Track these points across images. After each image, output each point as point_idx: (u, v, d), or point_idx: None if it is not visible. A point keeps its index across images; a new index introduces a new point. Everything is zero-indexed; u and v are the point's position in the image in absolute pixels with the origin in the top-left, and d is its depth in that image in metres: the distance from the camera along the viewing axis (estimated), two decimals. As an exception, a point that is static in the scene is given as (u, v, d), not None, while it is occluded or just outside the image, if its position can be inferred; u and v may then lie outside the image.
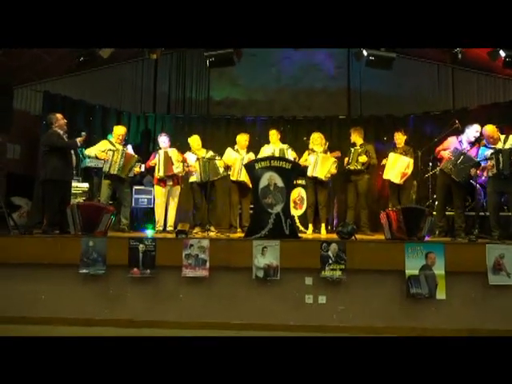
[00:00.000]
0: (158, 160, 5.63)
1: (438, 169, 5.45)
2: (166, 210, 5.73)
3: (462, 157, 4.91)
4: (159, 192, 5.72)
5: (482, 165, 4.76)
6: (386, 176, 5.69)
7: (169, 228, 5.67)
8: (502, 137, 4.72)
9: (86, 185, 6.29)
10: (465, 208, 5.35)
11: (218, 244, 4.09)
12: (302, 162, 5.73)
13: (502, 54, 5.98)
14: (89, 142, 6.82)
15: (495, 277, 3.84)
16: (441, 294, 3.82)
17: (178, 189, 5.79)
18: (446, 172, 5.05)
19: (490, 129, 4.73)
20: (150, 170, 5.93)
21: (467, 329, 3.80)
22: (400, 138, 5.79)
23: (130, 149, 5.82)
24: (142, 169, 6.07)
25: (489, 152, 4.68)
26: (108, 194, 5.50)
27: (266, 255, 4.01)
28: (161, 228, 5.70)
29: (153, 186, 6.03)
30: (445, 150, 5.14)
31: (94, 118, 7.49)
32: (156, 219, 5.74)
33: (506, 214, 5.07)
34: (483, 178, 5.03)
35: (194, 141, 6.00)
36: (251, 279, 3.95)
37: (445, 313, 3.87)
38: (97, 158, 5.54)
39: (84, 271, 4.01)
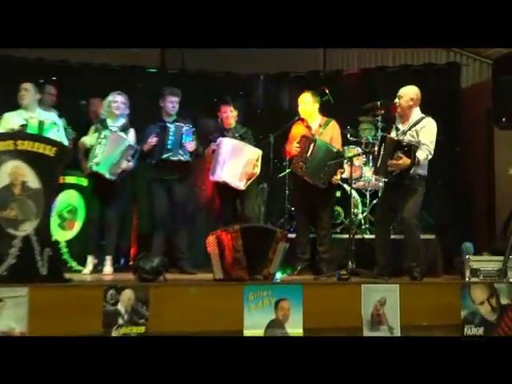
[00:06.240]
0: None
1: (287, 171, 3.97)
2: None
3: (312, 146, 3.37)
4: None
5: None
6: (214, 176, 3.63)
7: None
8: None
9: None
10: (332, 228, 3.76)
11: None
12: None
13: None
14: None
15: (374, 333, 2.57)
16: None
17: None
18: (298, 174, 3.43)
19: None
20: None
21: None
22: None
23: None
24: None
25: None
26: None
27: (2, 315, 2.26)
28: None
29: None
30: (291, 142, 3.53)
31: None
32: None
33: (398, 236, 3.50)
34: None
35: None
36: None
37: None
38: None
39: None
